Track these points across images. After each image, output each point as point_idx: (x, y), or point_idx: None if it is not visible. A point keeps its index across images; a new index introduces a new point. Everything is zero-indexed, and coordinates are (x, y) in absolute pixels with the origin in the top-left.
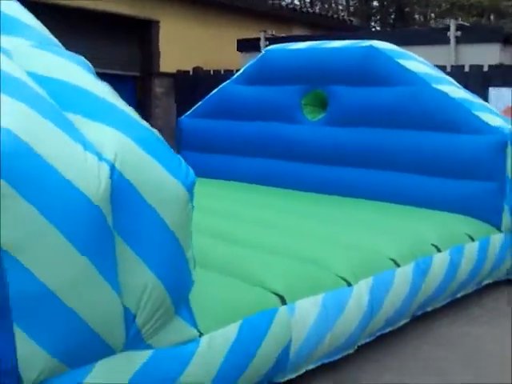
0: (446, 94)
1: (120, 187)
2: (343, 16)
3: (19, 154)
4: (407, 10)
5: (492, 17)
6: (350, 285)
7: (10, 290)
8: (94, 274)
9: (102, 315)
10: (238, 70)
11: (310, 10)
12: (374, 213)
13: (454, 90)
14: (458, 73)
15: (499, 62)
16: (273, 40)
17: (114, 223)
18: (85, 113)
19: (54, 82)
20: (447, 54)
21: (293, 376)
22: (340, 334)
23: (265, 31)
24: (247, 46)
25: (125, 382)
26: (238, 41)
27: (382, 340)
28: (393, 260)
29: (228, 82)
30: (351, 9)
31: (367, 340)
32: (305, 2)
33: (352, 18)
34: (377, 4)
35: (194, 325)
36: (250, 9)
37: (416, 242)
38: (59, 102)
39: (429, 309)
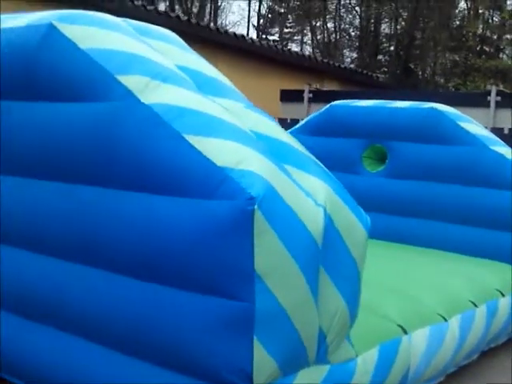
0: (502, 156)
1: (328, 228)
2: (371, 73)
3: (271, 196)
4: (411, 65)
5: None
6: (446, 320)
7: (256, 307)
8: (310, 299)
9: (310, 333)
10: (280, 119)
11: (341, 65)
12: (442, 259)
13: (508, 152)
14: (497, 135)
15: None
16: (315, 92)
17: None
18: (295, 164)
19: (267, 138)
20: (486, 116)
21: None
22: (439, 363)
23: (309, 84)
24: (290, 96)
25: None
26: (281, 91)
27: None
28: (472, 302)
29: (291, 130)
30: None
31: (451, 370)
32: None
33: (378, 75)
34: (383, 57)
35: (352, 345)
36: (290, 62)
37: (485, 287)
38: (275, 154)
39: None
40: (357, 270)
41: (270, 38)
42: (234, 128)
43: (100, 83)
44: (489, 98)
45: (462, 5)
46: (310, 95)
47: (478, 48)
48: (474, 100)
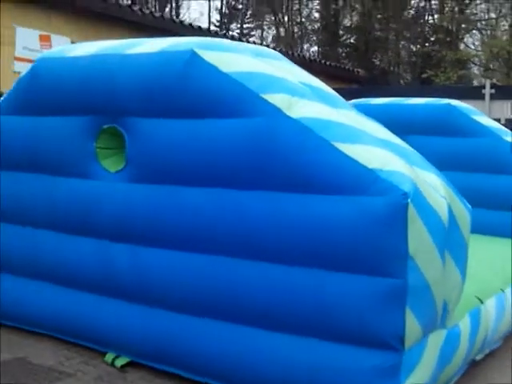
0: None
1: (449, 216)
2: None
3: (416, 192)
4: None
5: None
6: (503, 291)
7: (408, 282)
8: (443, 274)
9: (440, 303)
10: None
11: (327, 62)
12: (481, 241)
13: None
14: None
15: None
16: None
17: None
18: (417, 164)
19: (389, 143)
20: (482, 108)
21: (481, 356)
22: (502, 327)
23: None
24: None
25: (438, 349)
26: None
27: None
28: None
29: None
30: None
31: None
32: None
33: (359, 70)
34: (344, 50)
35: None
36: None
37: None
38: (403, 156)
39: None
40: (466, 250)
41: (230, 33)
42: (370, 135)
43: (246, 102)
44: (483, 91)
45: None
46: None
47: (432, 38)
48: (469, 93)
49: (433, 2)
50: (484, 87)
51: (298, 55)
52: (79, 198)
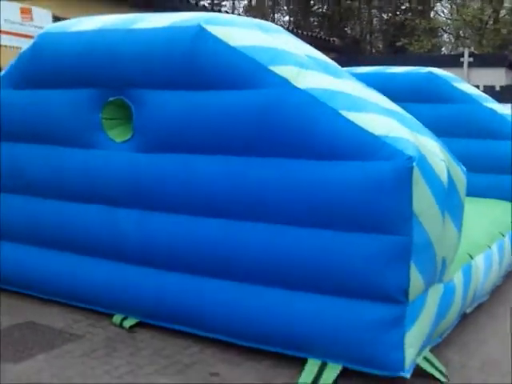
0: (494, 111)
1: (448, 178)
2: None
3: (420, 156)
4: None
5: None
6: (490, 248)
7: (413, 239)
8: (443, 232)
9: (440, 259)
10: None
11: (302, 32)
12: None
13: (499, 107)
14: None
15: (505, 84)
16: None
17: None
18: (417, 131)
19: (392, 111)
20: (461, 76)
21: (471, 309)
22: (490, 282)
23: None
24: None
25: (437, 302)
26: None
27: None
28: (501, 233)
29: None
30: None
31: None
32: None
33: (334, 39)
34: (316, 19)
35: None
36: None
37: (504, 221)
38: (404, 124)
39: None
40: (463, 210)
41: (202, 3)
42: (373, 104)
43: (255, 74)
44: (462, 59)
45: None
46: None
47: (403, 7)
48: (449, 61)
49: None
50: (462, 55)
51: None
52: (85, 166)
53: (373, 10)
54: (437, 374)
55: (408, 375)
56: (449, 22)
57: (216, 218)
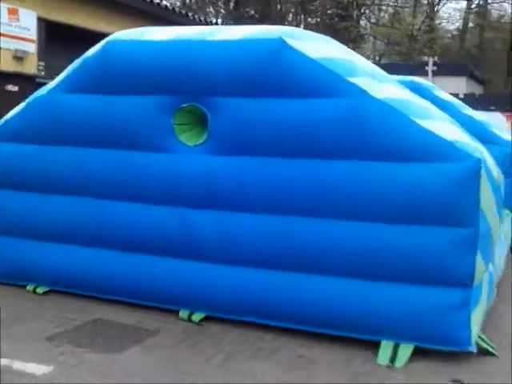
0: (473, 117)
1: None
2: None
3: (483, 158)
4: None
5: None
6: None
7: (479, 230)
8: (499, 223)
9: (494, 244)
10: None
11: None
12: None
13: (476, 114)
14: None
15: (467, 92)
16: None
17: None
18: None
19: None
20: None
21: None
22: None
23: None
24: None
25: (486, 286)
26: None
27: None
28: None
29: None
30: None
31: None
32: None
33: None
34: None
35: None
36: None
37: None
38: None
39: None
40: (503, 200)
41: None
42: (434, 112)
43: (334, 84)
44: (426, 67)
45: None
46: None
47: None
48: (414, 70)
49: None
50: (427, 64)
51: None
52: (156, 170)
53: (302, 15)
54: (491, 350)
55: (474, 350)
56: (381, 29)
57: (299, 216)
